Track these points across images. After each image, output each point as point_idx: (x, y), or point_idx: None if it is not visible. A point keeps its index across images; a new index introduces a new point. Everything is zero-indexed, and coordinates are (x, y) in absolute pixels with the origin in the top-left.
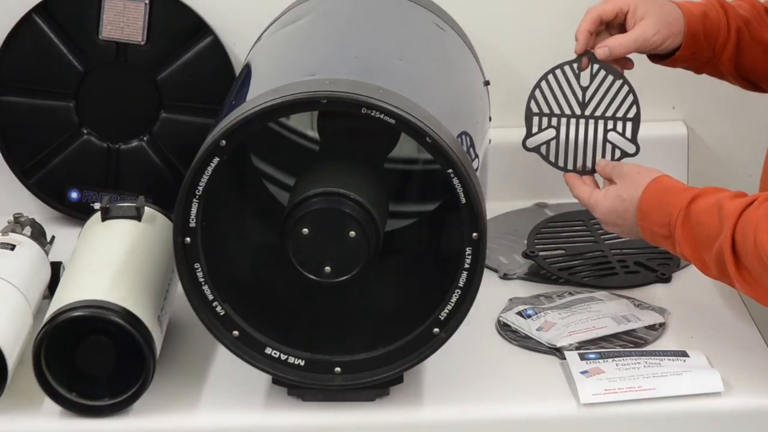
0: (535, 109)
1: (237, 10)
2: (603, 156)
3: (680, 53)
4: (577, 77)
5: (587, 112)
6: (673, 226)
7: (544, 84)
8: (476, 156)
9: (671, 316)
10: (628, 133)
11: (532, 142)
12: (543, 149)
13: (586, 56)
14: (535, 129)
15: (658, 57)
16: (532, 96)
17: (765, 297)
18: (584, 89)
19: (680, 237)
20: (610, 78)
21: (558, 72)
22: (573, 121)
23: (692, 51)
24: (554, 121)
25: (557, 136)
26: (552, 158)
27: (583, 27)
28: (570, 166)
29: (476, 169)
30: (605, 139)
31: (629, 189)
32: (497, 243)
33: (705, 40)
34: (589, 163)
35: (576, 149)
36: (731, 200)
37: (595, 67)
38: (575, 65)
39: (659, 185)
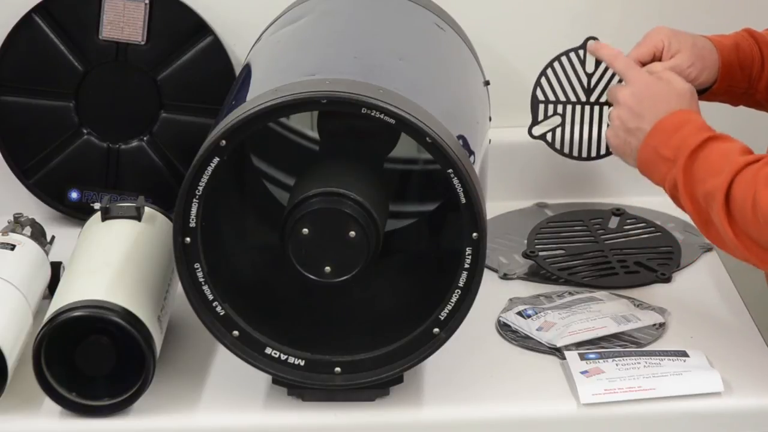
0: (541, 97)
1: (237, 10)
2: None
3: (717, 86)
4: (583, 64)
5: (592, 99)
6: (683, 151)
7: (549, 71)
8: (475, 156)
9: (671, 316)
10: None
11: (537, 130)
12: (549, 137)
13: (590, 40)
14: (541, 117)
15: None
16: (537, 83)
17: (761, 255)
18: (589, 76)
19: (682, 162)
20: None
21: (564, 59)
22: (578, 107)
23: (728, 83)
24: (560, 108)
25: (563, 123)
26: (558, 145)
27: None
28: (576, 153)
29: (476, 169)
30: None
31: (670, 95)
32: (497, 243)
33: (740, 70)
34: (594, 151)
35: (581, 136)
36: (741, 155)
37: None
38: (580, 52)
39: (690, 115)
